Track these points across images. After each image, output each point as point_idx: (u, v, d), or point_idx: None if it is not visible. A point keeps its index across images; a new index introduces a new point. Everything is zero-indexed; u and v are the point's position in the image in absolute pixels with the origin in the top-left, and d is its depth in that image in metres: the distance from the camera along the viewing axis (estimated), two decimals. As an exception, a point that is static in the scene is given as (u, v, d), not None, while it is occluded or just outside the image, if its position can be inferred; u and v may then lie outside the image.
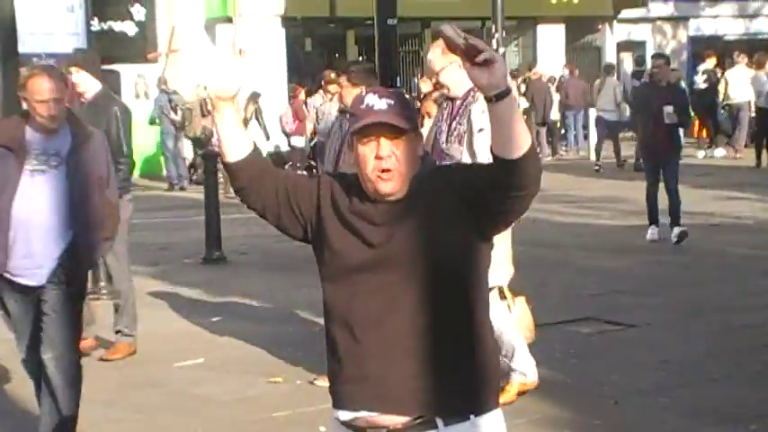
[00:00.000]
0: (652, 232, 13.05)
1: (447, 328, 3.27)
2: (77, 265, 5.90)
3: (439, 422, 3.26)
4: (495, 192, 3.14)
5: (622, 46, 30.40)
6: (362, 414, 3.32)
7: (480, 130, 6.28)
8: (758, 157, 21.83)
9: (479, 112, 6.28)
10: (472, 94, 6.39)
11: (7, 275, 5.79)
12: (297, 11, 24.10)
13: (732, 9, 31.30)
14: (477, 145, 6.36)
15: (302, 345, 8.25)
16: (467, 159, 6.33)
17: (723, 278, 11.06)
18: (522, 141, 3.02)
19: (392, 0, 20.35)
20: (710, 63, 25.38)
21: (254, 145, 3.51)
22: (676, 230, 12.84)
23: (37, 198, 5.67)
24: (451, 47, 2.98)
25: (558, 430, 6.56)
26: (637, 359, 8.25)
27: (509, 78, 3.90)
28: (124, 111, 8.60)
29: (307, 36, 26.59)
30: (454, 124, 6.57)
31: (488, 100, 2.98)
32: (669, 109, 12.51)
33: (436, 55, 6.59)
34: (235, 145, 3.44)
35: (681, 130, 13.82)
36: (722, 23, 31.37)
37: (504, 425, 3.42)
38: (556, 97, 25.31)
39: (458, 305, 3.29)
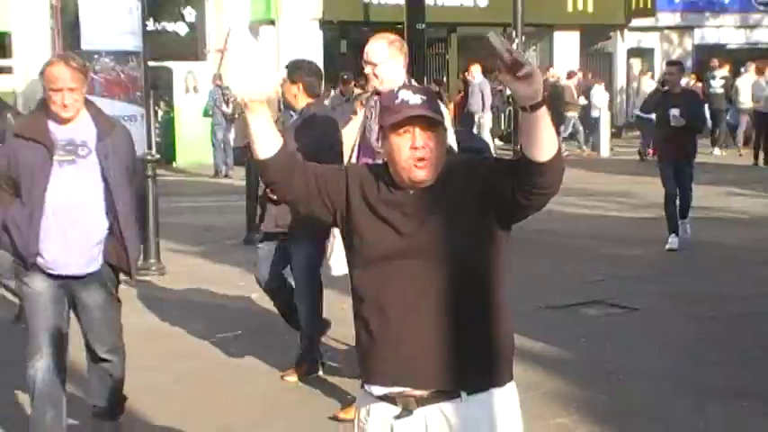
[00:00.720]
0: (672, 241, 11.89)
1: (471, 311, 3.29)
2: (117, 255, 5.40)
3: (463, 394, 3.30)
4: (521, 188, 3.13)
5: (632, 52, 30.28)
6: (395, 389, 3.34)
7: None
8: (755, 156, 22.10)
9: None
10: None
11: (41, 266, 5.29)
12: (333, 15, 24.07)
13: (734, 20, 31.11)
14: None
15: (331, 318, 8.20)
16: None
17: (722, 268, 10.99)
18: (551, 146, 3.03)
19: (421, 6, 20.38)
20: (725, 70, 25.29)
21: (283, 142, 3.45)
22: (683, 228, 12.15)
23: (69, 188, 5.21)
24: (495, 56, 2.90)
25: (566, 403, 6.51)
26: (640, 340, 8.21)
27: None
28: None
29: (342, 38, 26.53)
30: None
31: (523, 109, 2.95)
32: (675, 112, 11.72)
33: (380, 47, 6.01)
34: (264, 143, 3.37)
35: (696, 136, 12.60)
36: (725, 33, 31.21)
37: (517, 396, 3.44)
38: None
39: (481, 290, 3.31)
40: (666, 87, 12.60)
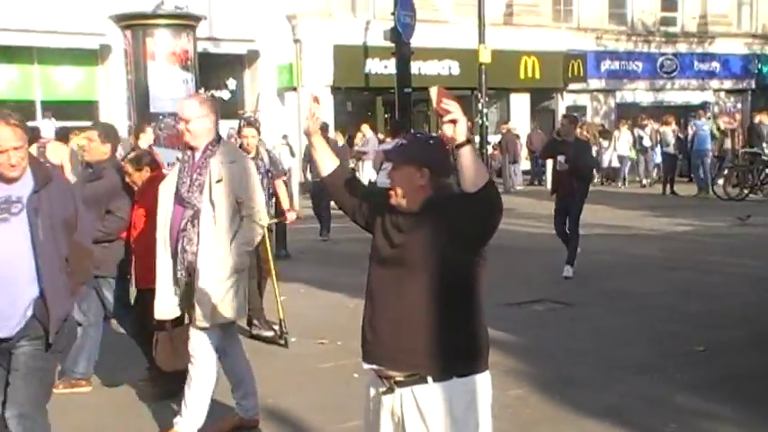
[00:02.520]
0: (567, 269, 10.69)
1: (439, 312, 3.17)
2: (48, 317, 3.90)
3: (429, 379, 3.18)
4: (467, 218, 3.06)
5: (570, 109, 30.34)
6: (374, 367, 3.29)
7: (218, 180, 5.07)
8: (663, 187, 22.06)
9: (218, 163, 5.11)
10: (210, 147, 5.14)
11: None
12: (341, 83, 24.20)
13: (645, 84, 31.28)
14: (215, 195, 5.08)
15: (340, 316, 8.24)
16: (207, 208, 5.07)
17: (637, 272, 11.02)
18: (478, 179, 2.92)
19: (408, 75, 20.51)
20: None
21: (341, 164, 3.60)
22: (568, 269, 10.67)
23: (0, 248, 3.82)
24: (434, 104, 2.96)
25: (519, 378, 6.53)
26: (575, 329, 8.23)
27: (467, 133, 3.18)
28: None
29: (348, 101, 26.61)
30: (195, 175, 5.11)
31: (455, 147, 2.92)
32: (561, 158, 10.62)
33: (192, 105, 5.20)
34: (323, 163, 3.57)
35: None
36: (639, 94, 31.37)
37: (483, 389, 3.28)
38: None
39: (450, 295, 3.18)
40: (561, 137, 11.12)
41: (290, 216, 9.34)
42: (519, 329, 7.94)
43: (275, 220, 8.96)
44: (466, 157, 2.91)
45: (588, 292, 9.81)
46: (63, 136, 12.48)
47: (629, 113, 29.16)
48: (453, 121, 2.90)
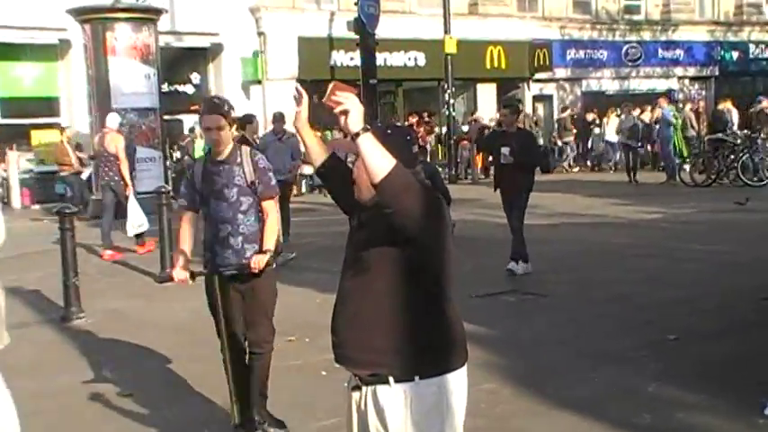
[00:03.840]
0: (512, 267, 10.13)
1: (397, 309, 2.98)
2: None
3: (390, 380, 2.98)
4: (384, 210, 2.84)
5: (536, 98, 30.42)
6: (340, 366, 3.14)
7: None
8: (628, 175, 22.02)
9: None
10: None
11: None
12: (307, 75, 23.87)
13: (611, 72, 31.38)
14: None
15: (308, 311, 8.07)
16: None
17: (608, 261, 10.97)
18: (377, 170, 2.73)
19: (373, 66, 20.37)
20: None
21: (332, 155, 3.48)
22: (515, 266, 10.11)
23: None
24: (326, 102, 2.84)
25: (492, 372, 6.39)
26: (547, 319, 8.13)
27: (359, 125, 3.02)
28: None
29: (314, 93, 26.31)
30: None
31: (351, 138, 2.77)
32: (505, 150, 9.88)
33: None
34: (313, 155, 3.51)
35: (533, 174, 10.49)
36: (604, 83, 31.48)
37: (455, 388, 3.05)
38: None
39: (406, 290, 2.98)
40: (503, 128, 10.49)
41: None
42: (490, 321, 7.82)
43: None
44: (361, 147, 2.76)
45: (560, 281, 9.73)
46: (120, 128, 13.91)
47: (596, 102, 29.27)
48: (344, 113, 2.76)
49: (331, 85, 2.90)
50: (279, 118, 12.37)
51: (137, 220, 12.37)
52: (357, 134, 2.74)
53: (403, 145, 3.09)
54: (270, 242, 5.15)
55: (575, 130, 27.04)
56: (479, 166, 24.93)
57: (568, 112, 27.64)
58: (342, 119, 2.77)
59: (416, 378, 2.98)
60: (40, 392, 6.25)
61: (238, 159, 5.15)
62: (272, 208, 5.22)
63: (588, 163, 27.61)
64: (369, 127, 2.78)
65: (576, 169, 26.65)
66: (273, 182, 5.24)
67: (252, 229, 5.17)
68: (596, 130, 26.87)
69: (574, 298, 8.93)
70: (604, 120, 26.67)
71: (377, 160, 2.75)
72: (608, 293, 9.01)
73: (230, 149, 5.16)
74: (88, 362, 7.21)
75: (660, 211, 15.62)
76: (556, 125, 28.48)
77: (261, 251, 5.16)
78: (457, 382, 3.07)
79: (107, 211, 12.88)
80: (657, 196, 18.17)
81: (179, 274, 5.15)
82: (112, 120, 13.26)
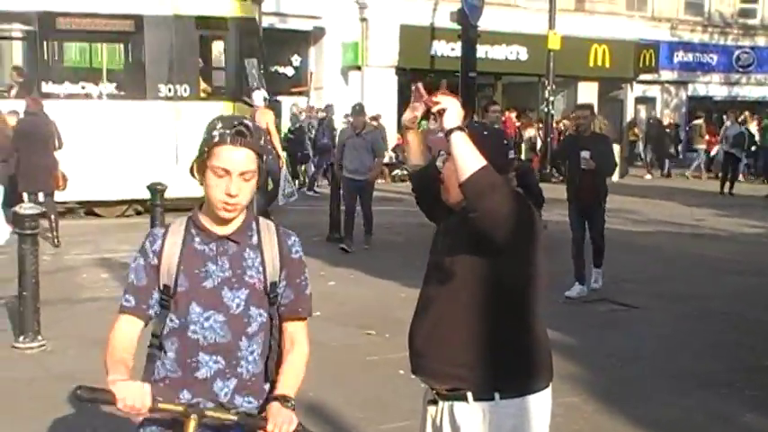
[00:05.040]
0: (573, 289, 9.09)
1: (481, 324, 2.82)
2: None
3: (469, 396, 2.83)
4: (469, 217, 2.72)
5: (639, 100, 29.63)
6: (417, 377, 3.01)
7: None
8: (722, 186, 21.03)
9: None
10: None
11: None
12: (406, 63, 23.77)
13: (720, 77, 30.35)
14: None
15: (391, 306, 7.92)
16: None
17: (703, 274, 10.51)
18: (465, 168, 2.66)
19: (473, 59, 20.06)
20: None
21: (430, 163, 3.21)
22: (595, 277, 9.40)
23: None
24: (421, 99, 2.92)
25: (576, 386, 6.13)
26: (637, 333, 7.79)
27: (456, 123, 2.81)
28: None
29: (413, 82, 26.23)
30: None
31: (445, 135, 2.72)
32: (585, 154, 9.04)
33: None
34: (411, 157, 3.35)
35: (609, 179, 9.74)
36: (712, 88, 30.46)
37: (537, 411, 2.87)
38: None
39: (491, 305, 2.81)
40: (579, 131, 9.56)
41: None
42: (577, 330, 7.53)
43: None
44: (453, 143, 2.71)
45: (651, 293, 9.33)
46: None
47: (701, 107, 28.34)
48: (442, 111, 2.74)
49: (416, 86, 2.98)
50: (359, 111, 11.74)
51: (288, 188, 12.51)
52: (451, 131, 2.71)
53: (498, 148, 2.95)
54: (291, 388, 2.70)
55: (707, 137, 25.83)
56: None
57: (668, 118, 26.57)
58: (438, 119, 2.76)
59: (496, 396, 2.83)
60: None
61: (254, 238, 2.73)
62: (302, 337, 2.80)
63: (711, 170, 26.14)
64: (464, 127, 2.73)
65: (705, 176, 25.30)
66: (309, 289, 2.80)
67: (254, 369, 2.71)
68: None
69: (665, 312, 8.55)
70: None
71: (466, 157, 2.69)
72: (702, 310, 8.60)
73: (244, 218, 2.72)
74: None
75: (760, 224, 14.95)
76: (687, 130, 27.51)
77: (262, 410, 2.67)
78: (539, 404, 2.90)
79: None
80: (760, 209, 17.42)
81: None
82: (258, 97, 13.37)
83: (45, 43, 14.84)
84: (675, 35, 29.33)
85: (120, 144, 14.14)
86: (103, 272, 9.80)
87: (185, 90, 15.03)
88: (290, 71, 24.69)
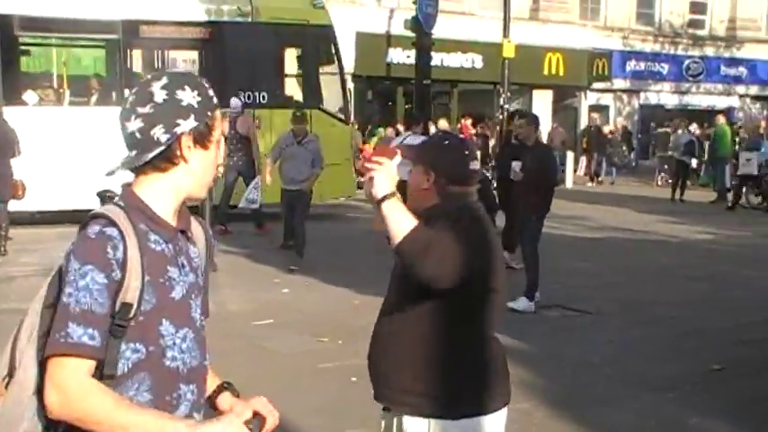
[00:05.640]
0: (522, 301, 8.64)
1: (424, 344, 2.79)
2: None
3: (415, 415, 2.82)
4: None
5: (593, 108, 29.96)
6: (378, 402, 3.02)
7: None
8: (672, 192, 21.17)
9: None
10: None
11: None
12: (362, 71, 23.77)
13: (670, 86, 30.82)
14: None
15: (344, 313, 7.91)
16: None
17: (654, 280, 10.64)
18: (396, 236, 2.61)
19: (428, 67, 20.14)
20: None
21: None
22: (523, 301, 8.62)
23: None
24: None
25: (528, 392, 6.15)
26: (589, 339, 7.87)
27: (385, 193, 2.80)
28: None
29: (369, 89, 26.27)
30: None
31: (376, 204, 2.67)
32: (516, 165, 8.82)
33: None
34: (378, 225, 2.90)
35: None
36: (663, 96, 30.91)
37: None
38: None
39: (437, 324, 2.78)
40: (519, 139, 9.21)
41: None
42: (529, 337, 7.58)
43: None
44: (384, 214, 2.66)
45: (604, 298, 9.42)
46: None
47: (653, 115, 28.75)
48: (371, 179, 2.68)
49: (373, 145, 2.88)
50: (300, 118, 10.99)
51: (252, 195, 12.48)
52: (380, 200, 2.65)
53: (460, 159, 2.93)
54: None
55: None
56: None
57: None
58: (366, 185, 2.72)
59: (444, 418, 2.79)
60: None
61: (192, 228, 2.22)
62: None
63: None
64: (394, 192, 2.67)
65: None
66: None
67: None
68: None
69: (617, 318, 8.65)
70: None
71: (397, 225, 2.64)
72: (653, 316, 8.71)
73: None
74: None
75: (712, 231, 15.20)
76: (638, 138, 27.71)
77: None
78: (493, 424, 2.86)
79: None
80: (710, 216, 17.71)
81: None
82: (236, 103, 13.51)
83: (128, 51, 14.99)
84: (627, 44, 29.73)
85: None
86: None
87: (263, 97, 15.14)
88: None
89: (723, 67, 31.38)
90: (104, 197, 2.06)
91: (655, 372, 6.82)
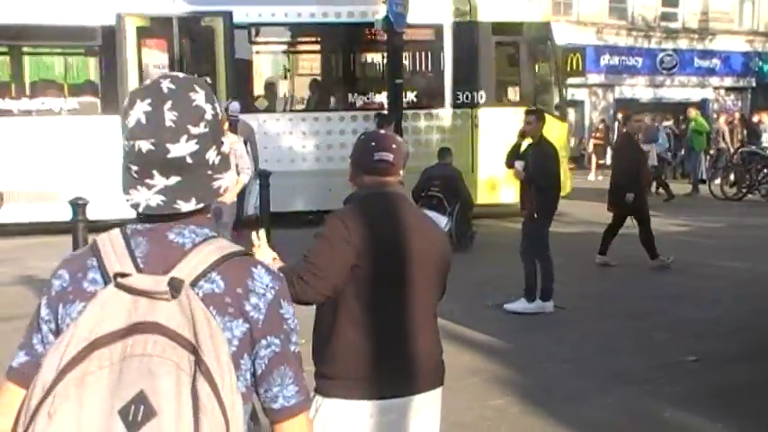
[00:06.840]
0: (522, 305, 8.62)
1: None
2: None
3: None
4: None
5: (568, 104, 30.04)
6: None
7: None
8: (657, 187, 21.20)
9: None
10: None
11: None
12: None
13: (645, 80, 31.00)
14: None
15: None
16: None
17: (628, 274, 10.71)
18: None
19: (399, 66, 20.06)
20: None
21: None
22: (535, 305, 8.62)
23: None
24: None
25: (502, 388, 6.21)
26: (564, 333, 7.92)
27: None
28: None
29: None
30: None
31: None
32: (518, 165, 8.63)
33: None
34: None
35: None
36: (638, 90, 31.09)
37: (328, 413, 2.98)
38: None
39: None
40: (525, 137, 8.93)
41: None
42: (503, 333, 7.64)
43: None
44: None
45: (579, 294, 9.48)
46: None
47: (628, 109, 28.88)
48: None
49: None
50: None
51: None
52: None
53: (363, 150, 3.08)
54: None
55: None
56: None
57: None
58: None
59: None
60: None
61: None
62: None
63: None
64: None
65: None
66: None
67: None
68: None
69: (592, 312, 8.71)
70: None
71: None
72: (627, 309, 8.77)
73: None
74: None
75: (686, 223, 15.31)
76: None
77: None
78: (336, 410, 2.97)
79: None
80: (684, 208, 17.83)
81: None
82: (236, 107, 13.36)
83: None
84: (601, 39, 29.87)
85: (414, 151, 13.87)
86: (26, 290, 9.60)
87: (482, 97, 15.19)
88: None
89: (697, 60, 31.62)
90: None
91: (628, 365, 6.88)
